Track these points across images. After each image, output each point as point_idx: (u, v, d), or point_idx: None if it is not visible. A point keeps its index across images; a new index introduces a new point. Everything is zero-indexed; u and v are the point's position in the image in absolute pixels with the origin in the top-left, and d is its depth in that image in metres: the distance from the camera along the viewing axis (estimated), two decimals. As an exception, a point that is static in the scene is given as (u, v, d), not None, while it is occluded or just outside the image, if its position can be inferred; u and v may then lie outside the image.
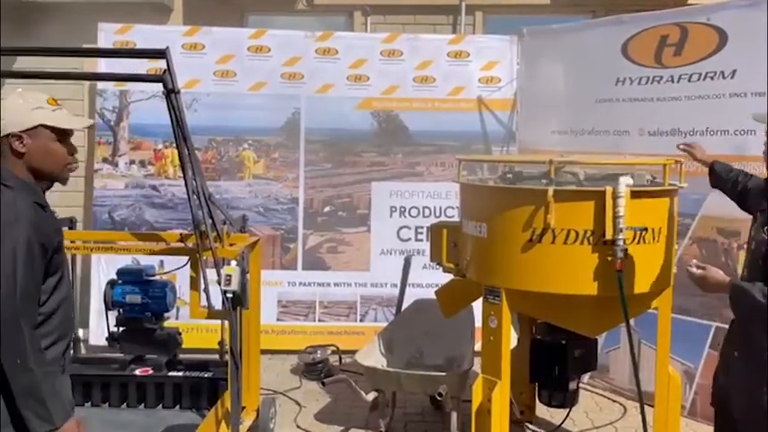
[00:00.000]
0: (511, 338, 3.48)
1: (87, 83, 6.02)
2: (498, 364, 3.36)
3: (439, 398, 3.73)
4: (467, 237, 3.55)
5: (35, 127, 2.12)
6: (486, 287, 3.42)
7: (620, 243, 3.06)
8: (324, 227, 5.88)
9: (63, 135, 2.19)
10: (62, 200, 5.70)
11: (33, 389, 2.01)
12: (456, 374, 3.83)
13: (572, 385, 3.81)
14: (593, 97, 5.10)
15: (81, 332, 5.69)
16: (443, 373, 3.83)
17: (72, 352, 3.73)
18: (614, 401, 4.74)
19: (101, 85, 5.82)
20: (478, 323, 3.96)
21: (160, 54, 2.97)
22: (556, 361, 3.74)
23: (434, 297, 4.03)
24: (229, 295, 3.46)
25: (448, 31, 6.31)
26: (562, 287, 3.21)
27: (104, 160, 5.83)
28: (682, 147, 3.56)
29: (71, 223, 4.11)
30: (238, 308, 3.55)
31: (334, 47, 5.89)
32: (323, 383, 4.08)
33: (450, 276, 3.89)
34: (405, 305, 4.70)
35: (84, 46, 5.15)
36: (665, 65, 4.70)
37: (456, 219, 5.65)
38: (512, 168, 3.59)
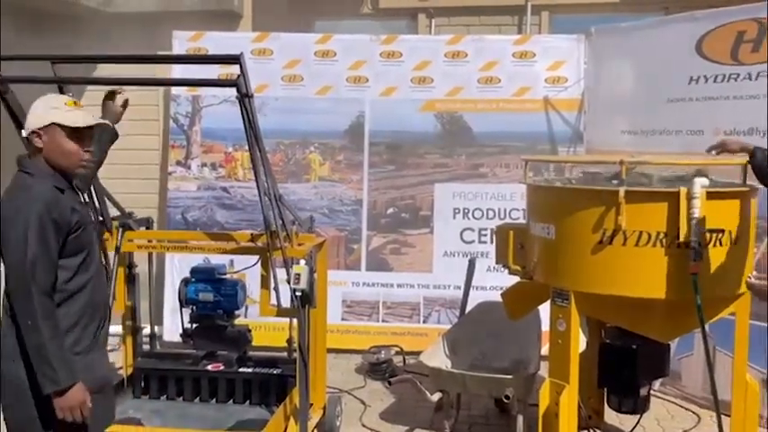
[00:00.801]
0: (579, 342, 3.43)
1: (162, 89, 6.25)
2: (566, 367, 3.32)
3: (505, 400, 3.71)
4: (534, 238, 3.53)
5: (49, 125, 2.37)
6: (554, 289, 3.39)
7: (695, 245, 2.98)
8: (387, 228, 5.93)
9: (76, 133, 2.39)
10: (138, 201, 5.93)
11: (41, 349, 2.23)
12: (522, 377, 3.80)
13: (642, 391, 3.72)
14: (664, 96, 4.98)
15: (156, 328, 5.91)
16: (510, 376, 3.80)
17: (108, 335, 3.95)
18: (687, 410, 4.60)
19: (174, 90, 6.03)
20: (545, 326, 3.95)
21: (234, 60, 3.07)
22: (626, 366, 3.66)
23: (499, 299, 4.02)
24: (298, 293, 3.54)
25: (513, 32, 6.27)
26: (633, 290, 3.15)
27: (178, 163, 6.04)
28: (715, 150, 3.21)
29: (148, 223, 4.27)
30: (306, 306, 3.63)
31: (398, 50, 5.93)
32: (389, 382, 4.11)
33: (515, 279, 3.86)
34: (469, 307, 4.69)
35: (159, 53, 5.37)
36: (742, 62, 4.54)
37: (521, 221, 5.62)
38: (580, 169, 3.55)
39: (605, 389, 3.89)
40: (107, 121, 2.65)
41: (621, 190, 3.07)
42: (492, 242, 5.64)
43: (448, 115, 5.94)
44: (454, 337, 4.42)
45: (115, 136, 3.21)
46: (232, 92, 3.26)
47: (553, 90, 5.84)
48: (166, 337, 5.77)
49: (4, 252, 2.27)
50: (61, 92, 3.28)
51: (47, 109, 2.39)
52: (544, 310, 3.66)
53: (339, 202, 5.97)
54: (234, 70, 3.21)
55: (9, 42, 5.14)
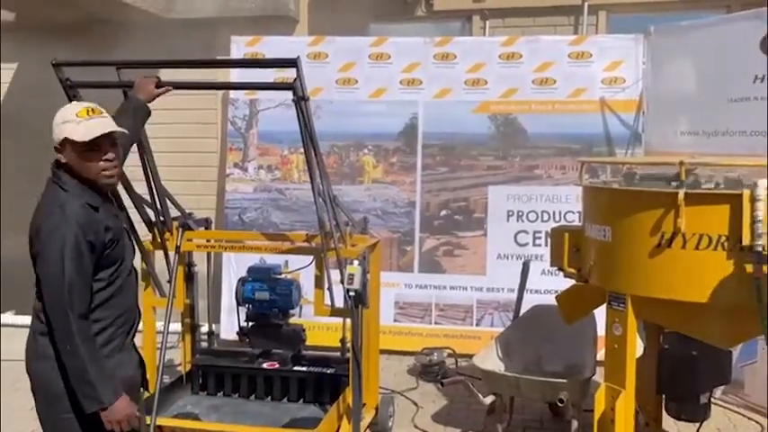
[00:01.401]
0: (636, 346, 3.36)
1: (220, 94, 6.41)
2: (623, 372, 3.25)
3: (560, 405, 3.67)
4: (590, 241, 3.47)
5: (63, 140, 2.32)
6: (611, 293, 3.32)
7: (759, 249, 2.88)
8: (440, 230, 5.92)
9: (90, 145, 2.30)
10: (198, 203, 6.11)
11: (82, 373, 2.27)
12: (578, 382, 3.75)
13: (702, 399, 3.62)
14: (726, 96, 4.82)
15: (213, 327, 6.05)
16: (564, 380, 3.75)
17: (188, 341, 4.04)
18: (750, 419, 4.44)
19: (232, 94, 6.18)
20: (600, 330, 3.88)
21: (291, 63, 3.13)
22: (685, 372, 3.57)
23: (553, 303, 3.97)
24: (352, 293, 3.59)
25: (569, 33, 6.18)
26: (693, 295, 3.06)
27: (235, 165, 6.18)
28: None
29: (206, 223, 4.39)
30: (360, 306, 3.67)
31: (452, 52, 5.93)
32: (441, 384, 4.12)
33: (570, 282, 3.81)
34: (522, 310, 4.64)
35: (218, 58, 5.50)
36: (811, 60, 4.36)
37: (576, 223, 5.54)
38: (634, 170, 3.48)
39: (664, 395, 3.80)
40: (121, 129, 2.42)
41: (681, 192, 3.00)
42: (546, 245, 5.64)
43: (502, 117, 5.90)
44: (507, 340, 4.39)
45: (148, 113, 3.05)
46: (288, 95, 3.32)
47: (610, 91, 5.73)
48: (223, 336, 5.89)
49: (39, 271, 2.29)
50: (125, 96, 3.39)
51: (59, 123, 2.33)
52: (600, 313, 3.60)
53: (392, 203, 6.00)
54: (290, 74, 3.28)
55: (78, 50, 5.37)
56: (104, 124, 2.35)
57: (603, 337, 3.49)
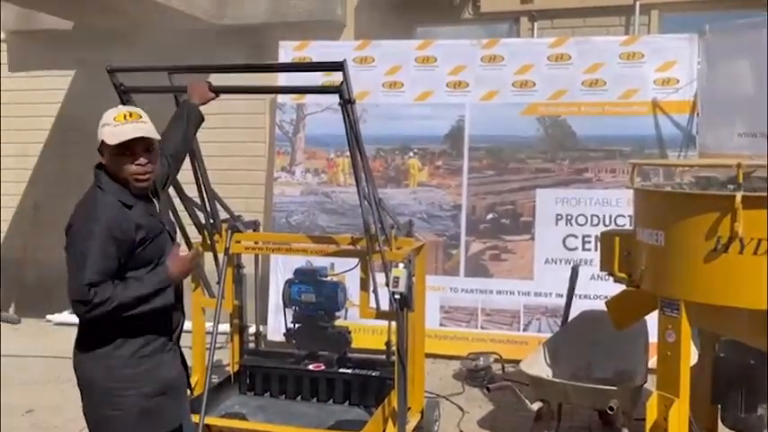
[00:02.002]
0: (690, 354, 3.26)
1: (268, 98, 6.50)
2: (676, 381, 3.15)
3: (610, 413, 3.58)
4: (641, 245, 3.38)
5: (101, 142, 2.40)
6: (664, 299, 3.23)
7: (822, 255, 2.76)
8: (486, 234, 5.87)
9: (123, 148, 2.37)
10: (246, 206, 6.20)
11: (141, 299, 2.35)
12: (628, 389, 3.66)
13: (761, 410, 3.49)
14: (786, 96, 4.65)
15: (261, 328, 6.12)
16: (614, 387, 3.67)
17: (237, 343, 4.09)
18: (812, 432, 4.25)
19: (280, 99, 6.25)
20: (652, 336, 3.78)
21: (338, 66, 3.15)
22: (742, 382, 3.44)
23: (603, 308, 3.88)
24: (397, 296, 3.58)
25: (620, 33, 6.05)
26: (751, 302, 2.95)
27: (282, 169, 6.25)
28: None
29: (255, 226, 4.44)
30: (405, 309, 3.66)
31: (499, 53, 5.88)
32: (487, 389, 4.07)
33: (620, 287, 3.72)
34: (571, 316, 4.56)
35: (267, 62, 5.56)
36: None
37: (628, 227, 5.41)
38: (692, 173, 3.38)
39: (719, 405, 3.68)
40: (156, 136, 2.45)
41: (738, 195, 2.89)
42: (596, 249, 5.50)
43: (550, 119, 5.82)
44: (556, 346, 4.32)
45: (201, 119, 3.07)
46: (335, 99, 3.33)
47: (663, 92, 5.60)
48: (270, 337, 5.95)
49: (67, 263, 2.34)
50: (177, 101, 3.46)
51: (100, 126, 2.41)
52: (651, 319, 3.50)
53: (438, 207, 5.97)
54: (337, 78, 3.29)
55: (132, 57, 5.50)
56: (138, 129, 2.40)
57: (655, 343, 3.40)
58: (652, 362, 3.57)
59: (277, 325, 5.73)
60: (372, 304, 3.87)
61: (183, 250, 2.54)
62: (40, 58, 7.07)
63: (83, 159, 4.53)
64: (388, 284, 3.57)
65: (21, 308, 7.27)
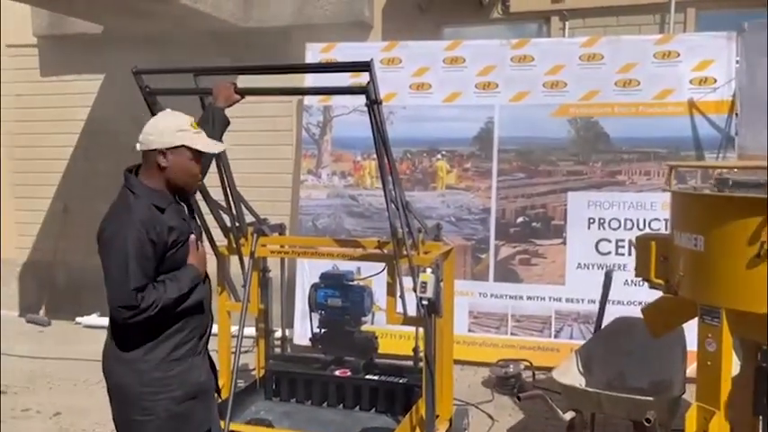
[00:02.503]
0: (732, 364, 3.12)
1: (295, 100, 6.46)
2: (716, 392, 3.02)
3: (646, 424, 3.44)
4: (679, 250, 3.25)
5: (179, 146, 2.42)
6: (703, 307, 3.09)
7: None
8: (516, 238, 5.75)
9: (198, 156, 2.47)
10: (273, 209, 6.15)
11: (180, 298, 2.40)
12: (666, 400, 3.52)
13: (806, 423, 3.32)
14: (832, 95, 4.47)
15: (287, 332, 6.08)
16: (651, 398, 3.53)
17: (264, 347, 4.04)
18: None
19: (307, 101, 6.22)
20: (690, 344, 3.64)
21: (365, 66, 3.08)
22: (786, 394, 3.27)
23: (637, 314, 3.75)
24: (424, 302, 3.49)
25: (655, 32, 5.88)
26: (797, 310, 2.81)
27: (309, 172, 6.21)
28: None
29: (281, 229, 4.39)
30: (433, 315, 3.58)
31: (530, 54, 5.76)
32: (518, 398, 3.96)
33: (656, 293, 3.59)
34: (605, 322, 4.42)
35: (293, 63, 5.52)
36: None
37: (662, 231, 5.26)
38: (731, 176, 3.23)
39: (761, 417, 3.51)
40: (225, 146, 2.71)
41: (784, 198, 2.76)
42: (630, 254, 5.39)
43: (582, 120, 5.68)
44: (589, 354, 4.19)
45: (227, 122, 3.16)
46: (362, 101, 3.27)
47: (699, 92, 5.43)
48: (296, 341, 5.92)
49: (104, 268, 2.35)
50: (202, 103, 3.44)
51: (174, 130, 2.43)
52: (690, 327, 3.36)
53: (466, 210, 5.87)
54: (363, 79, 3.22)
55: (160, 60, 5.52)
56: (217, 144, 2.60)
57: (694, 352, 3.26)
58: (690, 371, 3.43)
59: (303, 329, 5.69)
60: (399, 310, 3.79)
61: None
62: (70, 63, 7.14)
63: (111, 162, 4.57)
64: (415, 290, 3.49)
65: (50, 310, 7.35)
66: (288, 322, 6.20)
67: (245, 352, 4.82)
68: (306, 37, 6.14)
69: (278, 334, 4.82)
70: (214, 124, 2.97)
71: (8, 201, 7.56)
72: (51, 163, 7.35)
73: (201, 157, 2.49)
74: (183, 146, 2.43)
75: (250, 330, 4.54)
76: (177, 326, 2.45)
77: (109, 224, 2.39)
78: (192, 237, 2.53)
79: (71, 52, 7.07)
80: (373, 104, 3.16)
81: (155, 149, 2.42)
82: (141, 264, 2.32)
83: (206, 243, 4.01)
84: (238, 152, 6.46)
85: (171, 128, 2.44)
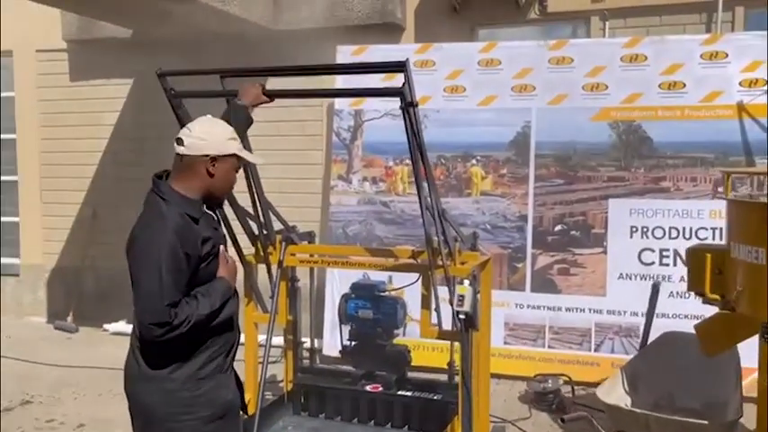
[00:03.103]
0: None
1: (325, 105, 6.33)
2: (782, 419, 2.78)
3: (701, 450, 3.21)
4: (737, 263, 3.03)
5: (230, 155, 2.33)
6: (765, 325, 2.86)
7: None
8: (554, 246, 5.52)
9: (239, 166, 2.41)
10: (302, 215, 6.01)
11: (212, 313, 2.26)
12: (722, 424, 3.28)
13: None
14: None
15: (316, 342, 5.92)
16: (705, 422, 3.29)
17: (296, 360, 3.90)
18: None
19: (337, 105, 6.07)
20: (745, 362, 3.41)
21: (400, 66, 2.90)
22: None
23: (686, 329, 3.53)
24: (461, 316, 3.30)
25: (701, 31, 5.62)
26: None
27: (339, 177, 6.05)
28: None
29: (310, 237, 4.24)
30: (470, 329, 3.38)
31: (568, 55, 5.54)
32: (562, 419, 3.75)
33: (706, 306, 3.36)
34: (651, 337, 4.19)
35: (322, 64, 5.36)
36: None
37: (709, 241, 4.99)
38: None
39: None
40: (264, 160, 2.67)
41: None
42: (675, 264, 5.15)
43: (624, 124, 5.44)
44: (634, 371, 3.97)
45: (249, 121, 3.01)
46: (394, 104, 3.11)
47: (750, 94, 5.15)
48: (326, 351, 5.75)
49: (135, 280, 2.20)
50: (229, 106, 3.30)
51: (226, 138, 2.35)
52: (747, 345, 3.13)
53: (502, 217, 5.66)
54: (395, 83, 3.04)
55: (190, 64, 5.41)
56: (256, 155, 2.60)
57: (748, 368, 3.03)
58: (745, 388, 3.19)
59: (333, 339, 5.52)
60: (434, 322, 3.60)
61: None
62: (99, 68, 7.09)
63: (140, 168, 4.49)
64: (451, 303, 3.29)
65: (78, 316, 7.30)
66: (317, 332, 6.06)
67: (273, 362, 4.68)
68: (337, 40, 6.00)
69: (307, 345, 4.66)
70: (237, 123, 2.79)
71: (36, 206, 7.54)
72: (80, 168, 7.31)
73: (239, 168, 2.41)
74: (233, 155, 2.34)
75: (278, 339, 4.39)
76: (204, 343, 2.30)
77: (141, 232, 2.25)
78: (222, 248, 2.39)
79: (100, 57, 7.02)
80: (409, 107, 2.98)
81: (206, 156, 2.29)
82: (175, 277, 2.17)
83: (232, 251, 3.92)
84: (268, 157, 6.35)
85: (225, 135, 2.35)
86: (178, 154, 2.31)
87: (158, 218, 2.23)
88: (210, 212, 2.44)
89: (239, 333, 2.51)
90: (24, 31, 7.17)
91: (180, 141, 2.30)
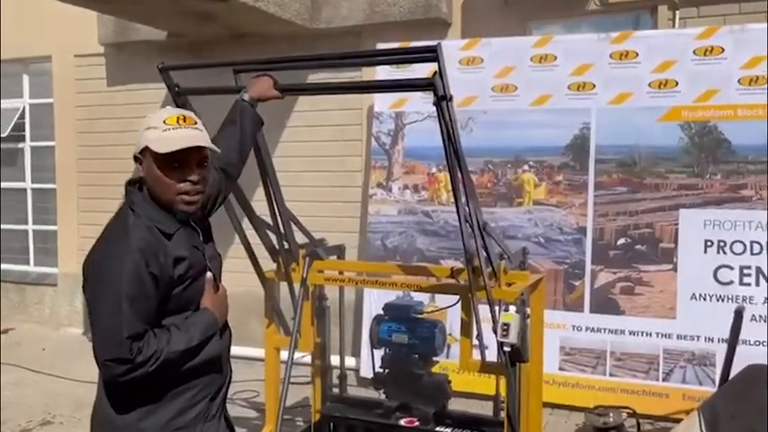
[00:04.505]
0: None
1: (365, 108, 5.93)
2: None
3: None
4: None
5: (144, 149, 1.89)
6: None
7: None
8: (617, 262, 4.95)
9: (171, 160, 1.87)
10: (339, 225, 5.65)
11: (190, 351, 1.87)
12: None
13: None
14: None
15: (354, 361, 5.52)
16: (807, 482, 2.70)
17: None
18: None
19: (377, 108, 5.66)
20: None
21: (431, 52, 2.45)
22: None
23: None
24: (506, 349, 2.82)
25: (787, 19, 4.97)
26: None
27: (378, 185, 5.63)
28: None
29: (339, 251, 3.84)
30: (517, 363, 2.90)
31: (633, 49, 4.99)
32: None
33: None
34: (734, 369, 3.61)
35: (351, 58, 4.96)
36: None
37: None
38: None
39: None
40: (214, 147, 1.96)
41: None
42: (758, 284, 4.55)
43: (697, 125, 4.84)
44: (714, 410, 3.37)
45: (259, 121, 2.51)
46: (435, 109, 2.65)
47: None
48: (363, 372, 5.34)
49: (91, 307, 1.85)
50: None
51: (143, 129, 1.92)
52: None
53: (557, 229, 5.12)
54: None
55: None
56: (194, 137, 1.90)
57: None
58: None
59: (371, 360, 5.09)
60: (476, 350, 3.14)
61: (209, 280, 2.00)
62: (136, 72, 6.90)
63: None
64: (495, 332, 2.82)
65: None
66: (354, 351, 5.67)
67: (299, 383, 4.29)
68: (378, 37, 5.60)
69: (337, 370, 4.25)
70: (243, 123, 2.38)
71: (73, 214, 7.39)
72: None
73: (180, 161, 1.88)
74: (146, 147, 1.89)
75: (306, 359, 4.00)
76: (181, 385, 1.90)
77: (99, 253, 1.88)
78: (210, 274, 1.98)
79: (136, 61, 6.84)
80: (441, 101, 2.53)
81: (134, 156, 1.94)
82: (139, 305, 1.79)
83: (246, 269, 3.53)
84: (301, 164, 6.03)
85: (145, 125, 1.91)
86: None
87: (121, 234, 1.85)
88: (197, 228, 2.02)
89: (230, 372, 2.09)
90: (62, 36, 7.06)
91: None
